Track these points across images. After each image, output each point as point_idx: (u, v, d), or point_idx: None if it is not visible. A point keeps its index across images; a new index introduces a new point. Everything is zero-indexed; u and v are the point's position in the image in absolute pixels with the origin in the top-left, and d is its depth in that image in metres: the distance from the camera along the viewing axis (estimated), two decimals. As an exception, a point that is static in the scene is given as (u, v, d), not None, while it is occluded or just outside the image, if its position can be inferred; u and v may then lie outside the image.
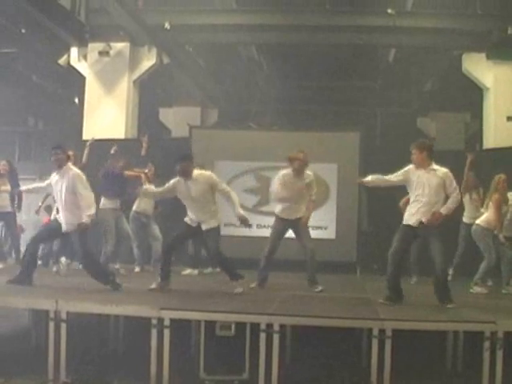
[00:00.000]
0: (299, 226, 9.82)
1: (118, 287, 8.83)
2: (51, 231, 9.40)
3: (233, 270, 9.16)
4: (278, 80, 19.60)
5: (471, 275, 10.43)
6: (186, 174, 8.92)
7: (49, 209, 13.68)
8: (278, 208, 9.94)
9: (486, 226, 10.27)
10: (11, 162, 12.51)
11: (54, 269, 11.39)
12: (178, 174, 8.96)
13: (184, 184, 8.94)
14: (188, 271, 11.92)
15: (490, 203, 10.34)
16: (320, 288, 9.66)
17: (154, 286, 9.01)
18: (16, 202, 12.10)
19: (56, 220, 9.17)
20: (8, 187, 11.81)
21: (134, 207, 12.13)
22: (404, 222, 8.52)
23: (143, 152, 12.31)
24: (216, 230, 9.09)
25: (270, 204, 12.72)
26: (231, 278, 9.14)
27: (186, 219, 9.14)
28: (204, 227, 9.00)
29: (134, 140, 14.64)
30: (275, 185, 9.81)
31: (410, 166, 8.47)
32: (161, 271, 9.13)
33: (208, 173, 9.22)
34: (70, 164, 9.00)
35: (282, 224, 9.90)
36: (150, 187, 9.73)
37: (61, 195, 8.81)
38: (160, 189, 9.34)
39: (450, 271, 11.66)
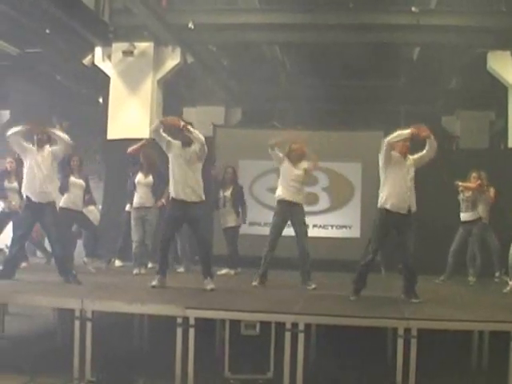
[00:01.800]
0: None
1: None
2: (29, 219, 9.53)
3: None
4: (302, 79, 19.55)
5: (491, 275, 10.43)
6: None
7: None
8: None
9: None
10: (18, 159, 12.54)
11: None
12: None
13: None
14: (224, 271, 11.87)
15: None
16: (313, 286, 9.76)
17: (155, 282, 9.06)
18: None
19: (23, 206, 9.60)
20: (15, 184, 11.71)
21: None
22: None
23: None
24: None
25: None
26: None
27: None
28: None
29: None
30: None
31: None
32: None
33: None
34: None
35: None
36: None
37: (41, 167, 9.50)
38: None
39: (471, 271, 11.70)
